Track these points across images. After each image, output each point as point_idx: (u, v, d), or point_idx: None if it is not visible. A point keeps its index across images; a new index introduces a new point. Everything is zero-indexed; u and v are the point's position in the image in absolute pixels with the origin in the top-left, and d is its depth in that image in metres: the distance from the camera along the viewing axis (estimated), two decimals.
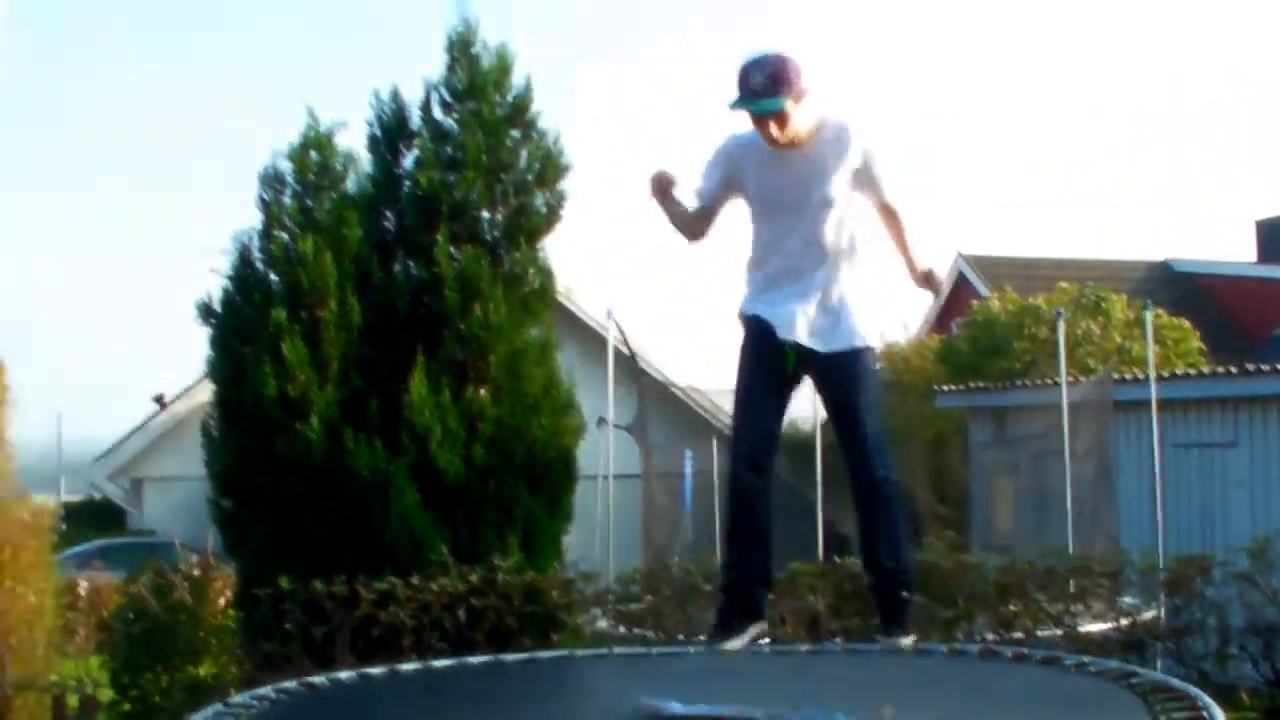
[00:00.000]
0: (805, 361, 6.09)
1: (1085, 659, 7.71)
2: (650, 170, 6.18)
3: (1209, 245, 73.17)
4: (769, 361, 6.09)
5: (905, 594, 6.12)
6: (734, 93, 5.76)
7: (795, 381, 6.26)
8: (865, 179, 5.88)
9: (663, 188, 6.17)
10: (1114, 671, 7.06)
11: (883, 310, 6.41)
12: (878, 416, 6.16)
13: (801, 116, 5.77)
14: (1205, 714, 5.79)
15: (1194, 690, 6.28)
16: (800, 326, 5.99)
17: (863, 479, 6.11)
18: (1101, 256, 34.58)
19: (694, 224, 6.30)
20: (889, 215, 6.04)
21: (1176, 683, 6.77)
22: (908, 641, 5.98)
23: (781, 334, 6.02)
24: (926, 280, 6.22)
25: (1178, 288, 33.05)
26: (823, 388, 6.23)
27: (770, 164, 5.95)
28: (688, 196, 6.28)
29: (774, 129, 5.71)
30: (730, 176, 6.12)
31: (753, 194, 6.08)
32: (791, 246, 5.96)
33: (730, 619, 6.23)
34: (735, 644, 6.20)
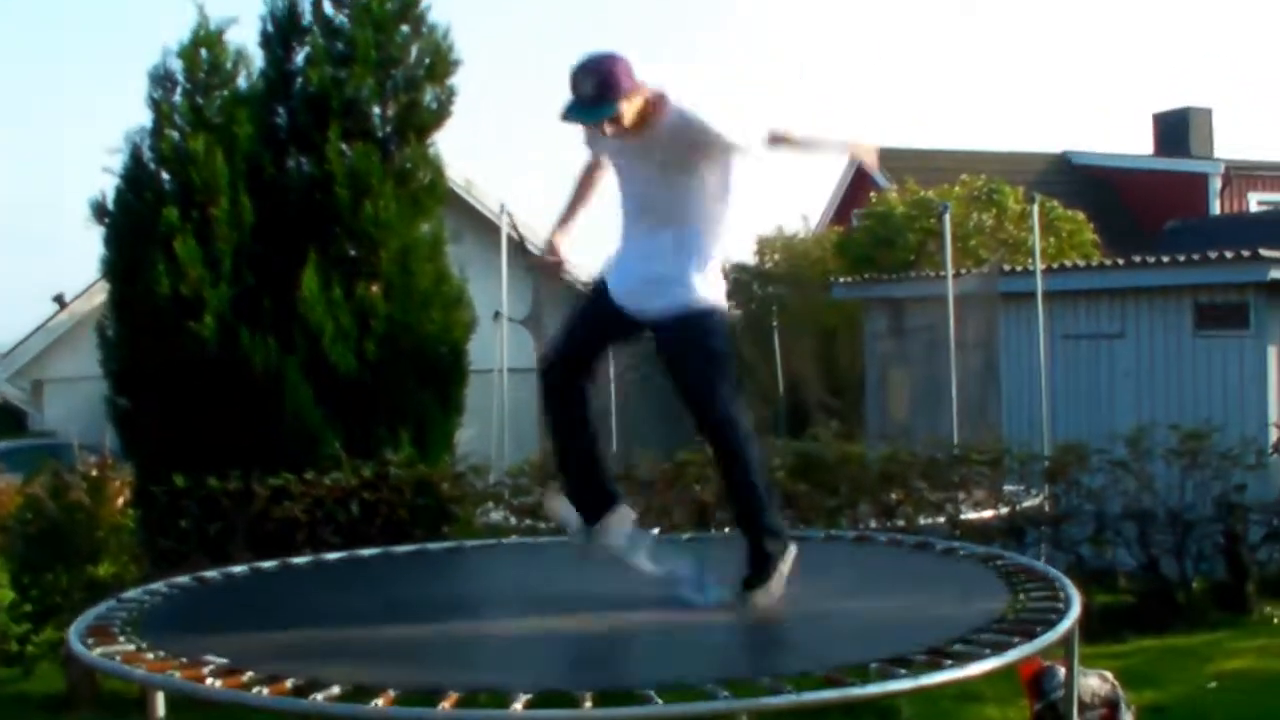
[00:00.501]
0: (654, 330, 6.00)
1: (956, 544, 8.00)
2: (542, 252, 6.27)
3: (1108, 138, 73.32)
4: (598, 304, 6.07)
5: (769, 550, 6.04)
6: (567, 97, 5.67)
7: (620, 329, 6.15)
8: (712, 147, 5.75)
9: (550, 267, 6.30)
10: (982, 555, 7.34)
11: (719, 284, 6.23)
12: (722, 382, 5.92)
13: (636, 108, 5.68)
14: (1063, 594, 6.05)
15: (1054, 572, 6.56)
16: (641, 287, 5.94)
17: (717, 454, 6.10)
18: (1003, 148, 34.85)
19: (587, 192, 6.36)
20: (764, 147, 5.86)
21: (1040, 565, 7.07)
22: (764, 597, 5.96)
23: (614, 287, 6.02)
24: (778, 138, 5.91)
25: (1077, 180, 33.40)
26: (660, 356, 6.04)
27: (619, 148, 5.94)
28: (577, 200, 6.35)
29: (608, 129, 5.70)
30: (595, 150, 6.20)
31: (611, 169, 6.13)
32: (639, 228, 5.95)
33: (587, 517, 6.19)
34: (607, 541, 6.25)
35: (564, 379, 6.14)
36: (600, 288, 6.08)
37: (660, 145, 5.73)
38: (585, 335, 6.20)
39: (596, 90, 5.58)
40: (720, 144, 5.72)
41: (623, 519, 6.17)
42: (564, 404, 6.12)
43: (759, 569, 5.90)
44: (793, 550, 5.96)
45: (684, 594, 5.97)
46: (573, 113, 5.65)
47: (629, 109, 5.63)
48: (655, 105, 5.71)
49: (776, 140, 5.88)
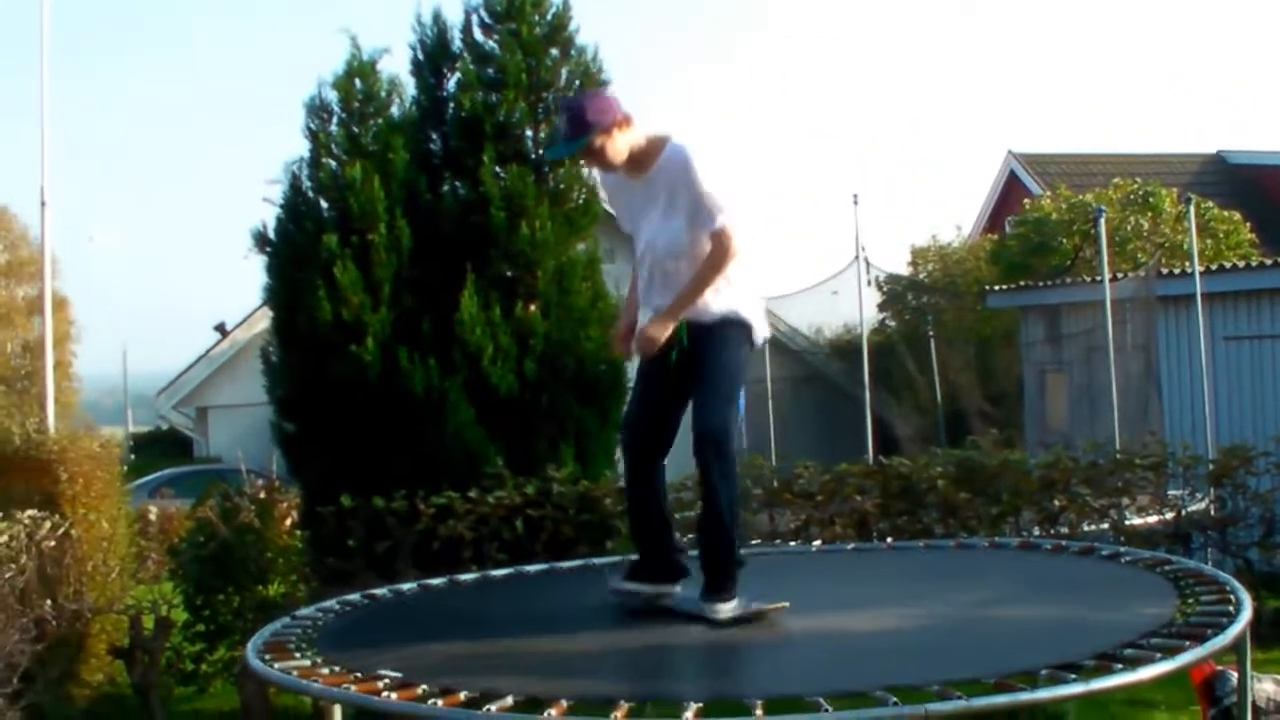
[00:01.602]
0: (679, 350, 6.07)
1: (1121, 549, 7.93)
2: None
3: (1264, 137, 72.12)
4: (648, 362, 6.16)
5: (725, 559, 6.03)
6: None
7: (674, 376, 6.12)
8: (691, 206, 5.91)
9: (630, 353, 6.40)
10: (1148, 560, 7.28)
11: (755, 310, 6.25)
12: (722, 400, 5.99)
13: (621, 145, 5.94)
14: (1233, 597, 5.99)
15: (1224, 576, 6.49)
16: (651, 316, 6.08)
17: (699, 474, 6.04)
18: (1155, 150, 34.40)
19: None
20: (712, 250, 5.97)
21: (1208, 569, 6.98)
22: (726, 609, 5.97)
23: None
24: (642, 335, 6.05)
25: (1232, 180, 32.86)
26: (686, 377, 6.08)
27: (623, 189, 6.20)
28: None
29: (594, 164, 6.04)
30: (614, 199, 6.38)
31: (626, 215, 6.30)
32: (647, 271, 6.13)
33: (643, 571, 6.34)
34: (632, 588, 6.35)
35: (638, 441, 6.26)
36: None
37: (663, 183, 5.94)
38: (647, 394, 6.27)
39: (569, 125, 5.91)
40: (696, 201, 5.87)
41: (662, 595, 6.24)
42: (639, 468, 6.21)
43: (716, 581, 6.00)
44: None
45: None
46: (549, 149, 5.94)
47: (609, 143, 5.91)
48: (654, 145, 5.97)
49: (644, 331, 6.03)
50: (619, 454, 12.20)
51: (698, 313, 5.99)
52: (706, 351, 5.98)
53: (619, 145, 5.94)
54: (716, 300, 5.99)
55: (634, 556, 6.45)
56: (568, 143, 5.96)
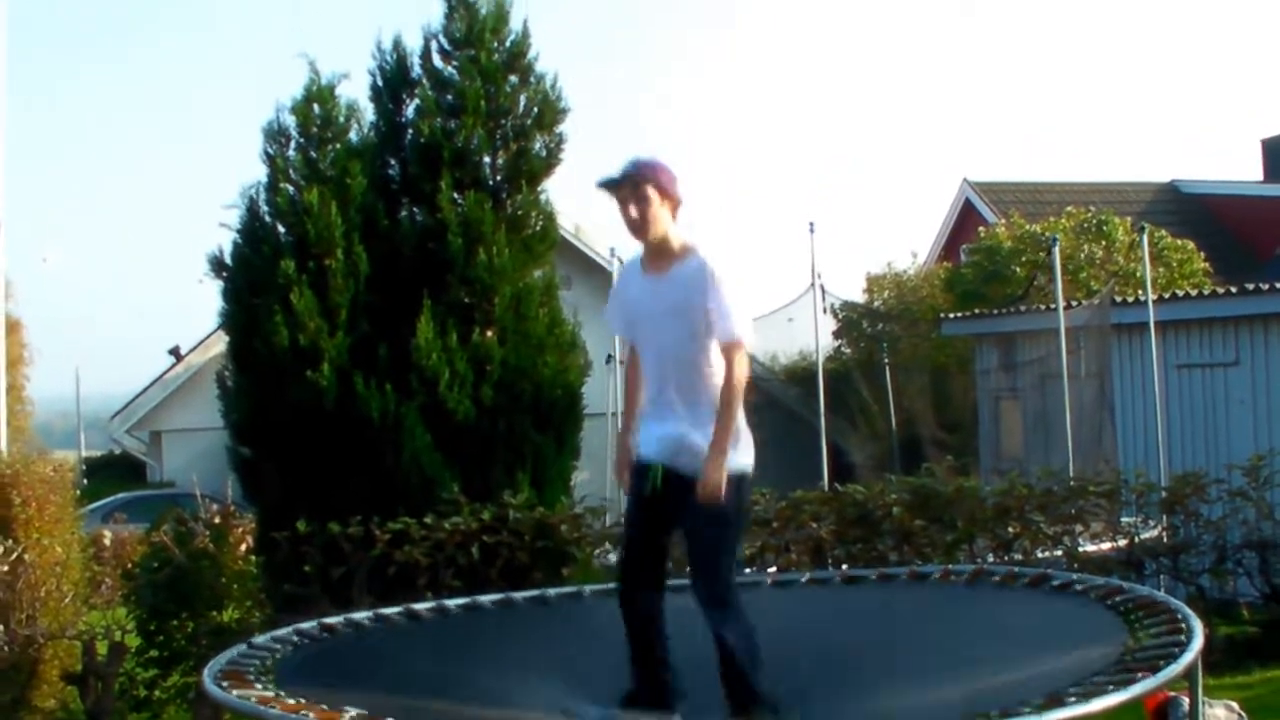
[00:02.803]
0: (669, 482, 6.06)
1: (1075, 576, 7.99)
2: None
3: (1216, 165, 72.68)
4: (639, 486, 6.17)
5: (750, 700, 5.99)
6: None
7: (672, 503, 6.10)
8: (711, 318, 5.97)
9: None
10: (1101, 587, 7.33)
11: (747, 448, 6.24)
12: (724, 554, 6.04)
13: (669, 222, 6.05)
14: (1185, 625, 6.05)
15: (1176, 603, 6.56)
16: (659, 448, 6.10)
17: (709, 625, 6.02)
18: (1109, 179, 34.63)
19: (637, 390, 6.47)
20: (725, 365, 6.01)
21: (1160, 596, 7.06)
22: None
23: (643, 454, 6.17)
24: (711, 487, 5.91)
25: (1185, 209, 33.09)
26: (673, 506, 6.08)
27: (641, 285, 6.21)
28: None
29: (633, 210, 6.00)
30: (624, 304, 6.35)
31: (634, 317, 6.31)
32: (658, 375, 6.16)
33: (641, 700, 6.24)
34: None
35: (634, 588, 6.22)
36: (638, 477, 6.15)
37: (680, 286, 6.00)
38: (642, 534, 6.26)
39: (632, 166, 6.02)
40: (713, 317, 5.94)
41: None
42: (635, 624, 6.17)
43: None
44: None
45: None
46: (605, 179, 5.96)
47: (656, 205, 5.99)
48: (685, 248, 6.07)
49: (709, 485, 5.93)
50: (575, 475, 12.31)
51: (691, 456, 5.98)
52: (718, 506, 5.92)
53: (661, 214, 6.02)
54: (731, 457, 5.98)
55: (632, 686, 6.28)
56: (626, 174, 6.02)
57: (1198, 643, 5.68)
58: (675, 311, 6.01)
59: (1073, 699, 4.96)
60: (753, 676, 5.91)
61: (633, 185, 6.00)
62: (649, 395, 6.22)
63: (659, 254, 6.08)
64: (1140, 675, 5.25)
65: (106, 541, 18.75)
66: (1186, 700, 6.89)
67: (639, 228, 6.04)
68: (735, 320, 5.94)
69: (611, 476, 6.78)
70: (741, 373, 5.96)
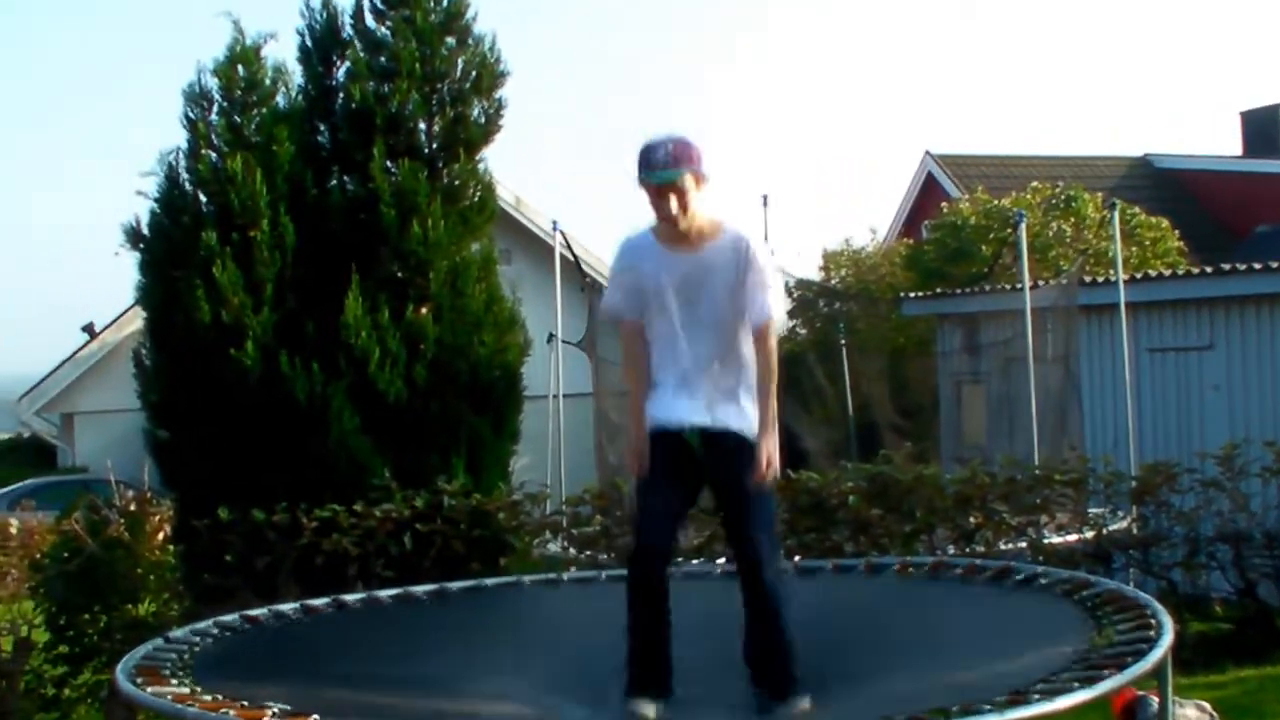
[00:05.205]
0: (706, 445, 6.13)
1: (1039, 569, 8.02)
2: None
3: (1192, 139, 73.02)
4: (670, 455, 6.15)
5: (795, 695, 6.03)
6: (637, 171, 6.04)
7: (703, 470, 6.19)
8: (746, 295, 6.06)
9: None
10: (1068, 581, 7.36)
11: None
12: (769, 511, 6.17)
13: (701, 202, 6.05)
14: (1154, 621, 6.08)
15: (1145, 598, 6.59)
16: (693, 414, 6.12)
17: (750, 585, 6.08)
18: (1080, 153, 34.71)
19: (644, 365, 6.41)
20: (758, 342, 6.12)
21: (1129, 591, 7.09)
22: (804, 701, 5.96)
23: (677, 427, 6.14)
24: (770, 466, 6.03)
25: (1159, 184, 33.19)
26: (713, 468, 6.15)
27: (668, 262, 6.17)
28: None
29: (674, 204, 5.97)
30: (636, 279, 6.29)
31: (651, 292, 6.25)
32: (688, 349, 6.16)
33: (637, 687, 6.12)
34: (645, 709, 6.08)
35: (651, 571, 6.11)
36: (663, 437, 6.16)
37: (718, 261, 6.07)
38: (665, 502, 6.20)
39: (668, 157, 5.97)
40: (751, 292, 6.05)
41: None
42: (650, 597, 6.13)
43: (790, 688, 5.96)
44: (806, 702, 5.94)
45: None
46: (644, 174, 5.95)
47: (694, 190, 5.99)
48: (715, 222, 6.10)
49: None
50: (515, 460, 12.28)
51: (723, 423, 6.07)
52: (745, 474, 6.00)
53: (694, 202, 6.03)
54: (742, 412, 6.08)
55: (635, 670, 6.13)
56: (665, 170, 5.98)
57: (1168, 639, 5.72)
58: (712, 286, 6.07)
59: (1036, 697, 4.98)
60: (795, 655, 5.98)
61: (672, 187, 6.00)
62: (673, 371, 6.21)
63: (691, 233, 6.10)
64: (1107, 673, 5.28)
65: (13, 530, 18.57)
66: (1156, 700, 6.93)
67: (678, 219, 6.05)
68: (772, 297, 6.06)
69: (620, 460, 6.73)
70: (773, 346, 6.10)
